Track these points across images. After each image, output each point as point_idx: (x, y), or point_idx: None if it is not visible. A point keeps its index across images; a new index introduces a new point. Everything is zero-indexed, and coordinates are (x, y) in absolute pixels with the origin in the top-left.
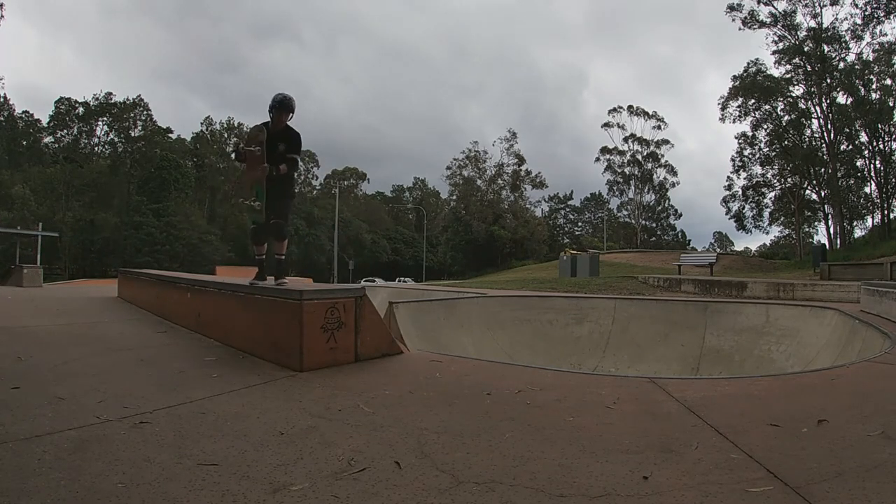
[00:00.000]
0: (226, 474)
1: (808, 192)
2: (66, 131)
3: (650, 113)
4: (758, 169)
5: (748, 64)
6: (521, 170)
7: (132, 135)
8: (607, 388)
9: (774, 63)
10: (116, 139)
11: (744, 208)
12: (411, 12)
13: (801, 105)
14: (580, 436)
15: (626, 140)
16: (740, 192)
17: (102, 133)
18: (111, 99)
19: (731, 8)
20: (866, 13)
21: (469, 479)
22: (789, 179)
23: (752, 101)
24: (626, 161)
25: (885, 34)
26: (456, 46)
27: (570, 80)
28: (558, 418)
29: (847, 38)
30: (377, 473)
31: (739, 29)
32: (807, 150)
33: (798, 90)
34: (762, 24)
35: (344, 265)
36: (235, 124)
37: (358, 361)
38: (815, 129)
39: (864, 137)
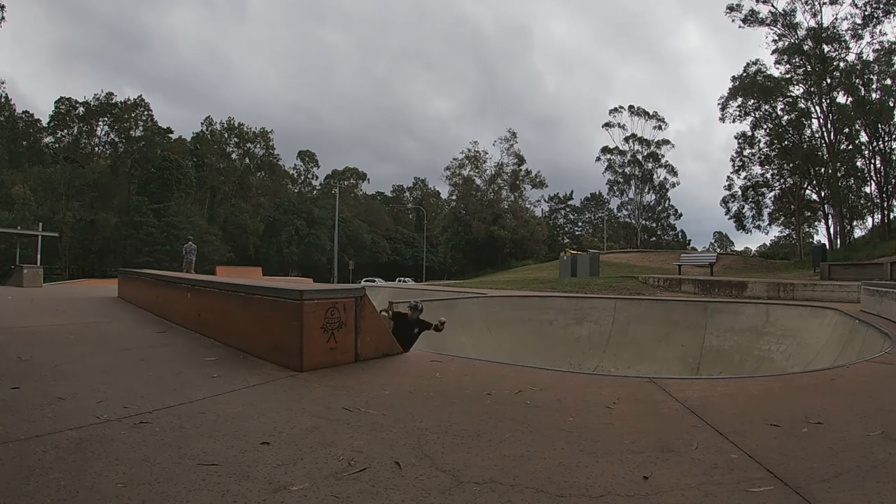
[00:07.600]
0: (226, 474)
1: (808, 192)
2: (66, 131)
3: (651, 113)
4: (757, 169)
5: (748, 64)
6: (520, 169)
7: (133, 135)
8: (607, 388)
9: (774, 63)
10: (117, 139)
11: (743, 208)
12: None
13: (801, 105)
14: (580, 436)
15: (626, 140)
16: (740, 193)
17: (103, 133)
18: (112, 99)
19: (731, 8)
20: (866, 13)
21: (469, 479)
22: (789, 179)
23: (752, 100)
24: (626, 161)
25: (885, 34)
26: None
27: (564, 71)
28: (558, 418)
29: (847, 38)
30: (377, 473)
31: (739, 27)
32: (807, 149)
33: (798, 90)
34: (762, 23)
35: (344, 265)
36: (236, 124)
37: (358, 361)
38: (815, 129)
39: (864, 137)
